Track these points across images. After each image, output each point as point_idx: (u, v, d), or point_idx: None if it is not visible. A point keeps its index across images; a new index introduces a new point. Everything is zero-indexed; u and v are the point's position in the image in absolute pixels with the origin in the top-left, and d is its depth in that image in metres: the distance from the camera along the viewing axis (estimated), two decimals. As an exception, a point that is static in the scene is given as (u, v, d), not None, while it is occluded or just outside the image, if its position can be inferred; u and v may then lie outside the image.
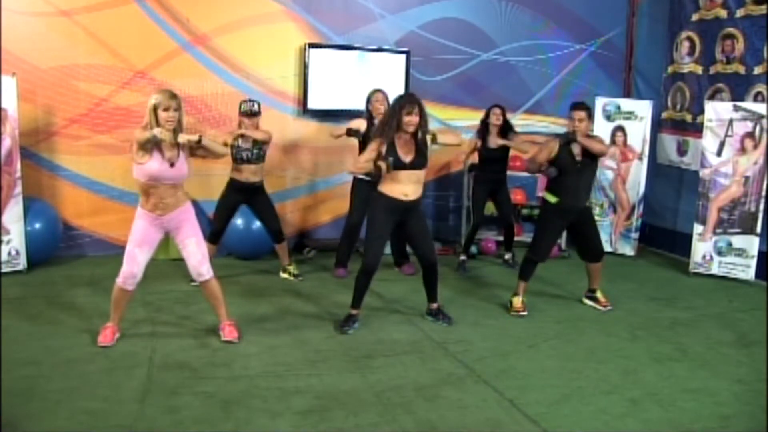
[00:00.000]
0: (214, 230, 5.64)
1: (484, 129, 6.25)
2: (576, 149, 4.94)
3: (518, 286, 5.20)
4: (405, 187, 4.49)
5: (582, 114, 4.96)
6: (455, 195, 7.43)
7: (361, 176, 5.71)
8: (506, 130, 6.26)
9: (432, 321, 4.86)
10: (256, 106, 5.49)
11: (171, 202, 4.10)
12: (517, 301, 5.15)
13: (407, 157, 4.45)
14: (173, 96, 3.96)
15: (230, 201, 5.61)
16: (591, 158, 5.03)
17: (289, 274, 5.87)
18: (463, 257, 6.45)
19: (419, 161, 4.48)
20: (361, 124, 5.87)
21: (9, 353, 3.93)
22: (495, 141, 6.18)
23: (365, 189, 5.65)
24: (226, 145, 5.44)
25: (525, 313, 5.09)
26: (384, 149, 4.42)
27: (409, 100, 4.43)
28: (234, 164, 5.52)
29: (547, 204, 5.09)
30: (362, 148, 5.83)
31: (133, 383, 3.69)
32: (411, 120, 4.38)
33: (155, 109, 3.92)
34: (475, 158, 6.57)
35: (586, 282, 5.42)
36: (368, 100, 5.88)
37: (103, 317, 4.71)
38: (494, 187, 6.36)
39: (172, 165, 3.99)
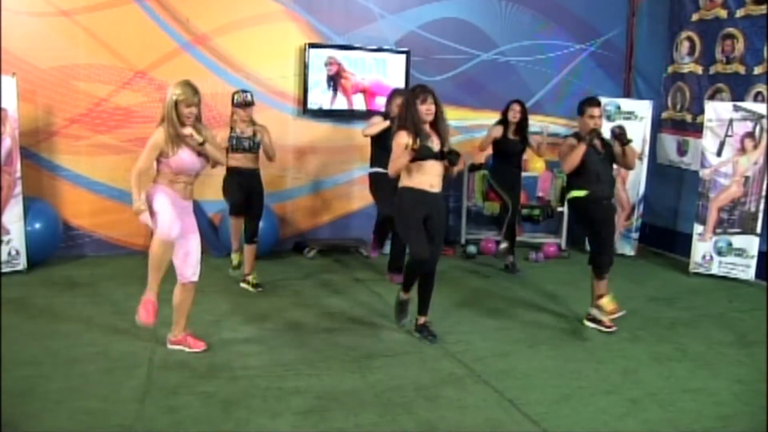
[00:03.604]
0: (234, 206, 5.49)
1: (504, 124, 6.21)
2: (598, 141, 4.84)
3: (597, 287, 4.89)
4: (431, 178, 4.35)
5: (599, 111, 4.84)
6: (455, 195, 7.42)
7: (383, 171, 5.63)
8: (524, 127, 6.23)
9: (418, 338, 4.55)
10: (249, 97, 5.41)
11: (191, 190, 4.06)
12: (607, 302, 4.81)
13: (437, 147, 4.33)
14: (196, 92, 3.89)
15: (234, 187, 5.48)
16: (610, 152, 4.93)
17: (249, 284, 5.54)
18: (510, 258, 6.39)
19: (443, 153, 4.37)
20: (383, 121, 5.72)
21: (9, 353, 3.93)
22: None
23: (387, 181, 5.56)
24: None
25: (622, 312, 4.80)
26: (410, 141, 4.27)
27: (421, 90, 4.38)
28: (232, 154, 5.42)
29: (579, 200, 4.90)
30: (378, 143, 5.75)
31: (133, 383, 3.69)
32: (428, 108, 4.31)
33: (177, 104, 3.84)
34: (481, 157, 6.55)
35: (587, 283, 5.39)
36: (389, 101, 5.76)
37: (103, 317, 4.72)
38: (509, 183, 6.31)
39: (199, 155, 3.94)
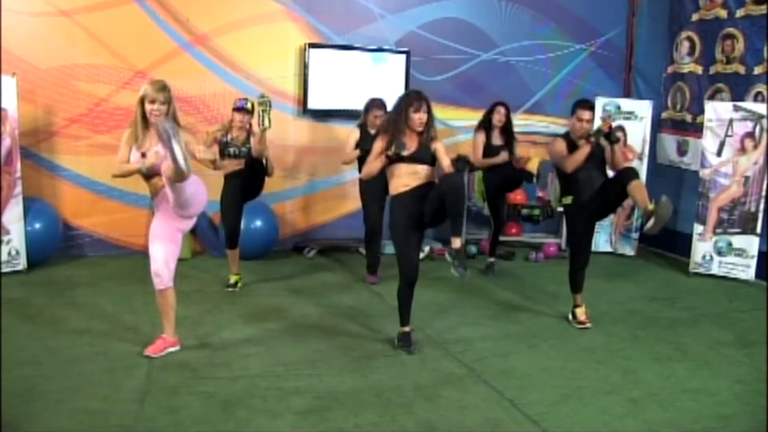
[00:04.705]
0: (228, 233, 5.50)
1: (487, 126, 6.17)
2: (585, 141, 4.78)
3: (575, 298, 4.99)
4: (409, 180, 4.21)
5: (589, 114, 4.81)
6: (455, 195, 7.41)
7: None
8: (508, 130, 6.19)
9: (450, 262, 4.15)
10: (248, 104, 5.39)
11: (161, 183, 3.89)
12: (581, 313, 4.93)
13: (407, 151, 4.22)
14: (161, 88, 3.84)
15: (230, 191, 5.45)
16: (600, 155, 4.89)
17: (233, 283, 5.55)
18: (491, 259, 6.40)
19: (420, 155, 4.22)
20: (354, 135, 5.82)
21: (9, 353, 3.93)
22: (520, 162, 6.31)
23: (373, 186, 5.62)
24: (216, 140, 5.35)
25: (590, 324, 4.88)
26: (386, 147, 4.23)
27: (416, 97, 4.21)
28: (219, 158, 5.41)
29: (566, 207, 4.96)
30: (363, 155, 5.81)
31: (133, 383, 3.69)
32: (420, 117, 4.17)
33: (142, 101, 3.85)
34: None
35: (587, 282, 5.38)
36: (366, 110, 5.81)
37: (103, 317, 4.73)
38: (505, 187, 6.29)
39: (143, 156, 3.88)
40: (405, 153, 4.21)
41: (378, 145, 4.31)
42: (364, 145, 5.65)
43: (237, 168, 5.43)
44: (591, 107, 4.88)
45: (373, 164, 4.33)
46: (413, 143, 4.25)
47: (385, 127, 4.35)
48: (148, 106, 3.85)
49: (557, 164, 4.98)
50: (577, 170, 4.82)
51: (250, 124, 5.40)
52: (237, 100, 5.50)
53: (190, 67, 6.35)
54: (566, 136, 4.94)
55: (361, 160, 5.64)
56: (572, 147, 4.85)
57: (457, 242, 4.13)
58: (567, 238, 5.19)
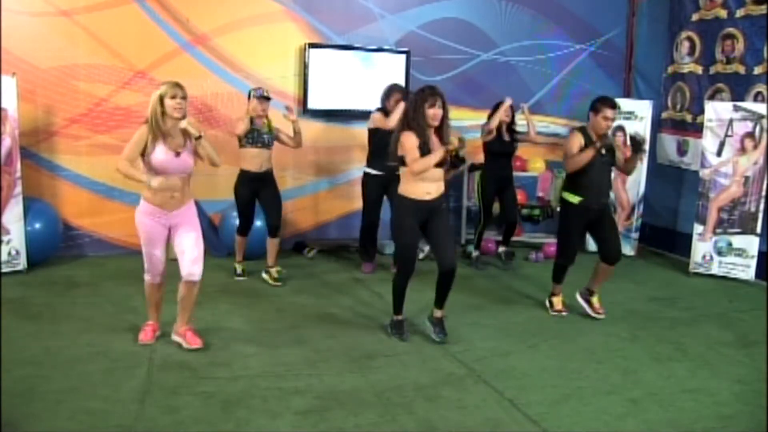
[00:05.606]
0: (243, 224, 5.67)
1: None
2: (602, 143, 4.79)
3: (554, 287, 5.19)
4: (428, 185, 4.27)
5: (614, 113, 4.78)
6: (455, 195, 7.42)
7: (373, 172, 5.75)
8: (513, 128, 6.33)
9: (429, 327, 4.51)
10: (268, 92, 5.50)
11: (179, 197, 4.03)
12: (557, 301, 5.17)
13: (441, 152, 4.21)
14: (179, 85, 3.94)
15: (246, 194, 5.57)
16: (612, 155, 4.92)
17: (270, 276, 5.69)
18: (475, 253, 6.55)
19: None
20: (376, 118, 5.82)
21: (9, 353, 3.93)
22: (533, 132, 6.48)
23: (377, 185, 5.65)
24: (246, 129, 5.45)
25: (566, 313, 5.12)
26: (418, 142, 4.20)
27: (431, 93, 4.21)
28: (247, 150, 5.46)
29: (569, 204, 4.95)
30: (371, 142, 5.82)
31: (133, 383, 3.69)
32: (435, 113, 4.18)
33: (161, 98, 3.88)
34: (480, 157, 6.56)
35: (586, 282, 5.39)
36: (387, 96, 5.82)
37: (103, 317, 4.73)
38: (501, 185, 6.36)
39: (177, 155, 3.93)
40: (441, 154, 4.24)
41: (411, 143, 4.20)
42: (379, 133, 5.66)
43: (263, 169, 5.50)
44: (615, 105, 4.85)
45: (424, 161, 4.17)
46: (437, 146, 4.25)
47: (406, 122, 4.29)
48: (170, 102, 3.88)
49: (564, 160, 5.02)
50: (592, 171, 4.81)
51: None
52: (255, 89, 5.55)
53: (190, 67, 6.35)
54: (582, 131, 4.91)
55: (375, 151, 5.72)
56: (587, 143, 4.84)
57: (439, 313, 4.50)
58: (558, 234, 5.18)
